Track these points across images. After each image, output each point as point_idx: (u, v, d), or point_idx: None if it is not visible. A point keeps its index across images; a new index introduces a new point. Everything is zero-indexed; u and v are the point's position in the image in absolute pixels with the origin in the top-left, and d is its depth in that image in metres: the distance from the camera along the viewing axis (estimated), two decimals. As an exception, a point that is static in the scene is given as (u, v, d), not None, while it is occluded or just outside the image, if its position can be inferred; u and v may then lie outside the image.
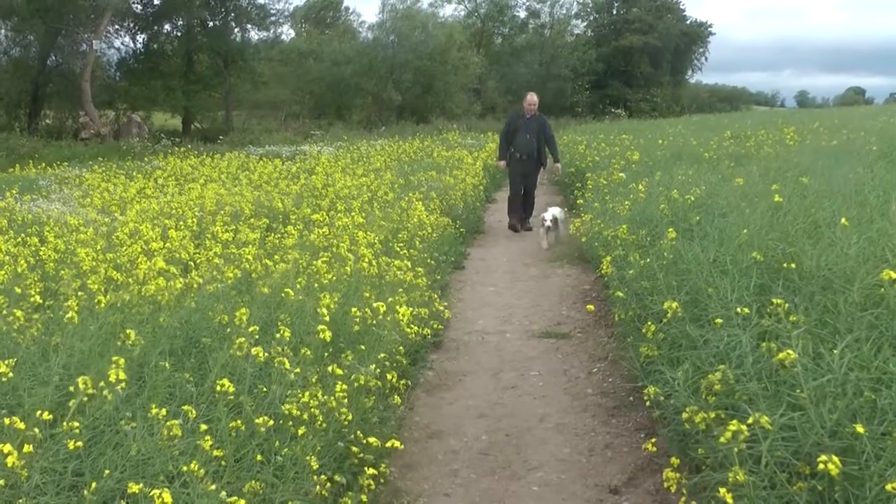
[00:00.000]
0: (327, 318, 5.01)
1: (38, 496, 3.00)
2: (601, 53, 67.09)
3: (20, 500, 2.91)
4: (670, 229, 6.19)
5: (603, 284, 8.91)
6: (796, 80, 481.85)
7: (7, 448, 2.81)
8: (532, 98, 14.60)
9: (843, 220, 4.97)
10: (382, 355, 5.16)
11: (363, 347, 5.16)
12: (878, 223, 5.39)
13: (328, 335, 4.56)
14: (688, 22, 73.13)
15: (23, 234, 8.35)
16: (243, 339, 4.20)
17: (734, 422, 2.98)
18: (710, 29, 75.61)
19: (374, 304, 5.54)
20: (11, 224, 9.42)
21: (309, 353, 4.41)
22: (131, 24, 44.78)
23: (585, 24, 72.50)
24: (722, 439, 2.98)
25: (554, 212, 12.51)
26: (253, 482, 3.39)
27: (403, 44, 51.58)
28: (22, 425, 2.95)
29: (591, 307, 6.60)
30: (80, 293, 5.49)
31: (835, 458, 2.68)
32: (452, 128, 38.91)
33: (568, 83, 64.29)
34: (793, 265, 4.59)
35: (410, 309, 6.32)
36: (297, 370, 4.21)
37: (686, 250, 5.72)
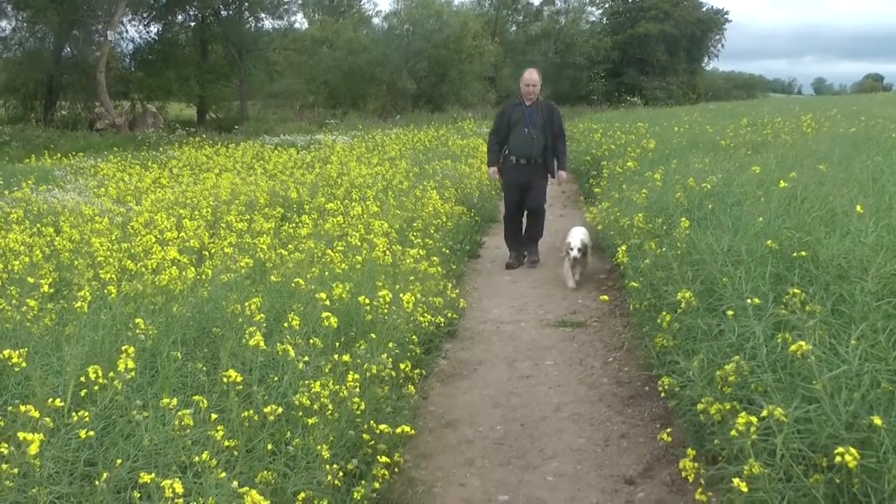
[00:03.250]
0: (327, 302, 5.02)
1: (51, 485, 3.00)
2: (616, 41, 66.80)
3: (34, 489, 2.91)
4: (683, 219, 6.15)
5: (619, 273, 8.87)
6: (817, 67, 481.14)
7: (24, 435, 2.81)
8: (531, 76, 10.38)
9: (858, 207, 4.92)
10: (391, 345, 5.15)
11: (374, 336, 5.15)
12: (896, 211, 5.34)
13: (334, 321, 4.55)
14: (703, 9, 72.68)
15: (38, 224, 8.38)
16: (254, 328, 4.20)
17: (743, 414, 2.95)
18: (726, 16, 75.22)
19: (384, 293, 5.52)
20: (27, 214, 9.45)
21: (319, 342, 4.40)
22: (145, 15, 44.85)
23: (601, 11, 72.28)
24: (733, 432, 2.96)
25: (582, 236, 9.30)
26: (265, 472, 3.39)
27: (418, 32, 51.45)
28: (36, 413, 2.95)
29: (605, 297, 6.57)
30: (93, 283, 5.51)
31: (852, 450, 2.65)
32: (467, 116, 38.78)
33: (583, 71, 64.10)
34: (804, 253, 4.55)
35: (418, 297, 6.32)
36: (306, 359, 4.20)
37: (700, 239, 5.69)
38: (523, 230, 10.88)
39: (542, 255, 10.87)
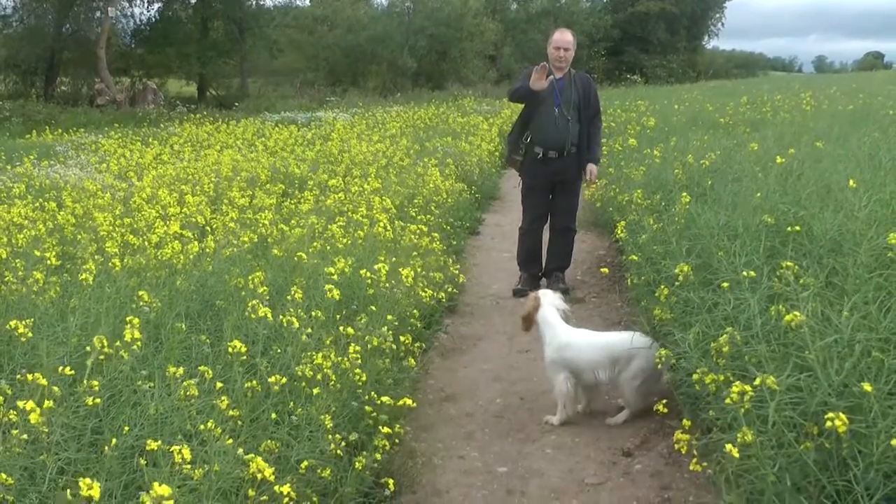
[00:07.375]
0: (335, 277, 5.07)
1: (59, 452, 3.06)
2: (617, 19, 66.37)
3: (42, 456, 2.97)
4: (684, 194, 6.19)
5: (617, 249, 8.91)
6: (821, 46, 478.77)
7: (30, 405, 2.86)
8: (563, 37, 7.97)
9: (850, 182, 4.96)
10: (390, 317, 5.20)
11: (374, 308, 5.21)
12: (890, 186, 5.38)
13: (337, 294, 4.60)
14: (704, -13, 72.28)
15: (41, 199, 8.41)
16: (256, 301, 4.25)
17: (738, 383, 3.00)
18: (727, -6, 74.81)
19: (381, 266, 5.56)
20: (29, 189, 9.48)
21: (321, 314, 4.46)
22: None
23: (601, -11, 71.76)
24: (728, 400, 3.01)
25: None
26: (269, 441, 3.44)
27: (419, 10, 51.27)
28: (44, 381, 3.00)
29: (605, 270, 6.61)
30: (97, 257, 5.55)
31: (841, 415, 2.71)
32: (468, 94, 38.62)
33: (584, 50, 63.51)
34: (797, 227, 4.60)
35: (419, 271, 6.37)
36: (309, 330, 4.26)
37: (699, 214, 5.73)
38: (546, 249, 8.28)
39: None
